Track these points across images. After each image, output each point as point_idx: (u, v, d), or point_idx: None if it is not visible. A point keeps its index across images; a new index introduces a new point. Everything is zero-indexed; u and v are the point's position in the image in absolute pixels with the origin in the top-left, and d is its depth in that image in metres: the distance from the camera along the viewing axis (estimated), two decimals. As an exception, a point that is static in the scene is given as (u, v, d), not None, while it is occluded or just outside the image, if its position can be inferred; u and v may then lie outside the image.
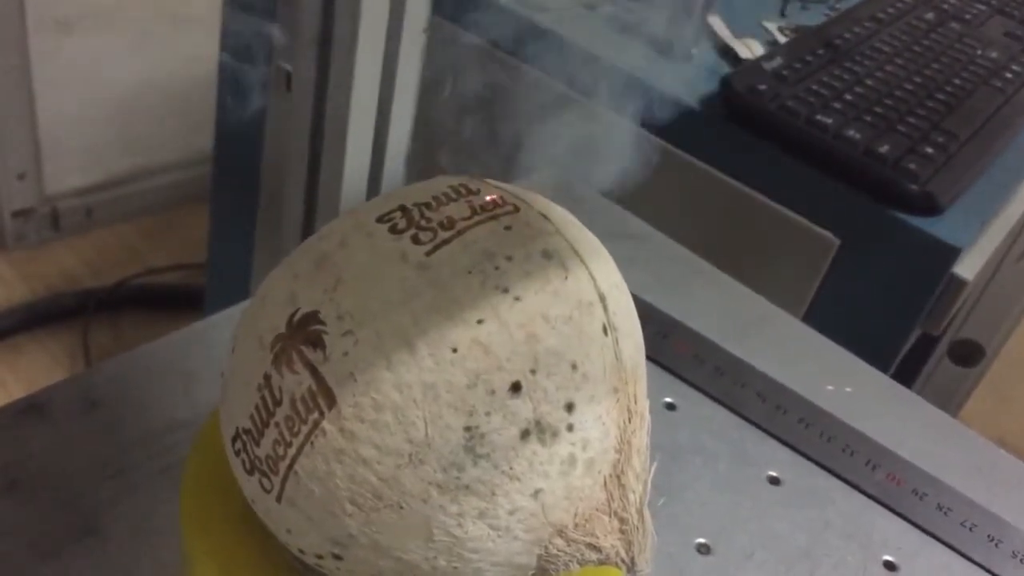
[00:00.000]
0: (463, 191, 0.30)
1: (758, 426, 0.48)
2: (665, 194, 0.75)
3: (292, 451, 0.27)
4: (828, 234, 0.70)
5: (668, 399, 0.49)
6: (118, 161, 1.65)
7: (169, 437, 0.41)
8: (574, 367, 0.28)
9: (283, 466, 0.28)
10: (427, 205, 0.29)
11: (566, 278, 0.29)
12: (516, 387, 0.27)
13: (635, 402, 0.30)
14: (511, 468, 0.27)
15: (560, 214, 0.31)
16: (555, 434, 0.28)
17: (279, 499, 0.28)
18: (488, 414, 0.27)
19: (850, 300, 0.71)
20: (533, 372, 0.27)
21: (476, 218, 0.29)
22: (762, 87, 0.71)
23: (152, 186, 1.70)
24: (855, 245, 0.69)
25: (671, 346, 0.51)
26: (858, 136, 0.69)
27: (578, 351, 0.28)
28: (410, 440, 0.27)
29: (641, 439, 0.30)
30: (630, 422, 0.30)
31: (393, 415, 0.26)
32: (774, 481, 0.46)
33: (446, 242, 0.28)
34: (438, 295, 0.27)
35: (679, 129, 0.72)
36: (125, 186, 1.68)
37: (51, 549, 0.37)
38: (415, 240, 0.28)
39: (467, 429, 0.27)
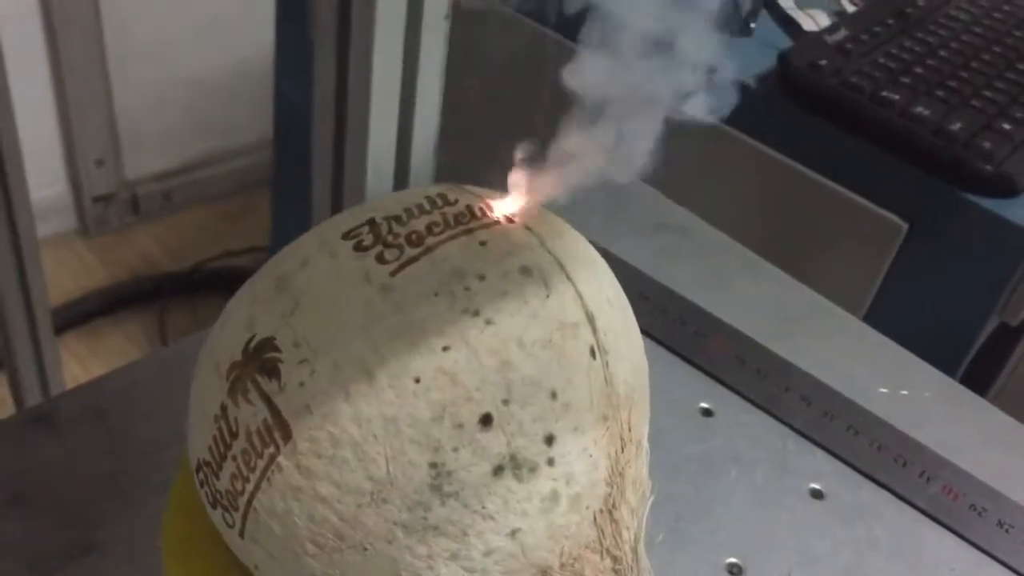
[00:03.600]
0: (439, 202, 0.28)
1: (802, 434, 0.45)
2: (718, 178, 0.72)
3: (250, 487, 0.26)
4: (895, 218, 0.65)
5: (704, 404, 0.46)
6: (194, 145, 1.67)
7: (175, 449, 0.40)
8: (554, 395, 0.26)
9: (242, 502, 0.26)
10: (397, 219, 0.27)
11: (547, 297, 0.26)
12: (487, 420, 0.25)
13: (629, 430, 0.28)
14: (483, 507, 0.25)
15: (549, 225, 0.29)
16: (533, 469, 0.26)
17: (241, 535, 0.27)
18: (456, 450, 0.25)
19: (920, 289, 0.66)
20: (506, 403, 0.25)
21: (448, 232, 0.27)
22: (822, 62, 0.67)
23: (228, 169, 1.72)
24: (925, 230, 0.65)
25: (710, 347, 0.48)
26: (927, 113, 0.64)
27: (558, 378, 0.26)
28: (371, 478, 0.25)
29: (637, 470, 0.28)
30: (623, 452, 0.27)
31: (352, 451, 0.24)
32: (816, 495, 0.43)
33: (413, 260, 0.26)
34: (401, 320, 0.25)
35: (734, 108, 0.68)
36: (202, 170, 1.70)
37: (50, 567, 0.36)
38: (380, 259, 0.26)
39: (433, 466, 0.25)
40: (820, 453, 0.45)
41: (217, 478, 0.26)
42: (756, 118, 0.69)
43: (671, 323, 0.49)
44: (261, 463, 0.25)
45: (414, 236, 0.26)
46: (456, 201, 0.28)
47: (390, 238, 0.26)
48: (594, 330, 0.27)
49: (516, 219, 0.28)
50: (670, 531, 0.40)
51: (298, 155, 0.72)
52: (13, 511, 0.38)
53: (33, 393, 0.90)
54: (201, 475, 0.27)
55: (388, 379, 0.24)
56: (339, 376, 0.25)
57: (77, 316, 1.45)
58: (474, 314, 0.25)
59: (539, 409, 0.25)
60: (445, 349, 0.25)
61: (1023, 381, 0.80)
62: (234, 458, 0.26)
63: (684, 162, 0.68)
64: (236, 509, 0.26)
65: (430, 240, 0.26)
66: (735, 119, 0.71)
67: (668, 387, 0.46)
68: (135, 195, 1.64)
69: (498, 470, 0.25)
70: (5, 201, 0.97)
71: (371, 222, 0.27)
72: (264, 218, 1.64)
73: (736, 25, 0.74)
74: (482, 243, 0.27)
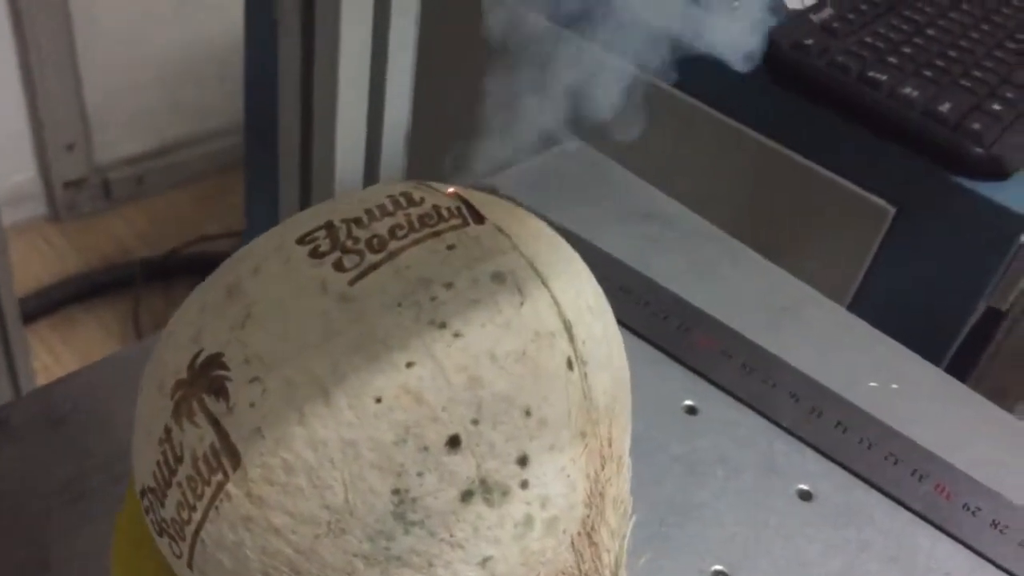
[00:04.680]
0: (403, 202, 0.26)
1: (790, 432, 0.43)
2: (702, 162, 0.70)
3: (197, 516, 0.23)
4: (883, 202, 0.63)
5: (689, 402, 0.44)
6: (167, 128, 1.63)
7: (131, 458, 0.38)
8: (527, 413, 0.24)
9: (189, 532, 0.24)
10: (357, 221, 0.25)
11: (521, 305, 0.24)
12: (454, 441, 0.23)
13: (609, 445, 0.26)
14: (451, 535, 0.23)
15: (522, 224, 0.27)
16: (505, 493, 0.24)
17: (190, 566, 0.25)
18: (420, 474, 0.23)
19: (907, 274, 0.65)
20: (475, 423, 0.23)
21: (413, 236, 0.24)
22: (808, 42, 0.64)
23: (203, 152, 1.68)
24: (913, 214, 0.63)
25: (695, 341, 0.47)
26: (916, 94, 0.62)
27: (533, 393, 0.24)
28: (327, 506, 0.23)
29: (618, 488, 0.26)
30: (603, 469, 0.26)
31: (307, 478, 0.22)
32: (805, 496, 0.41)
33: (374, 267, 0.24)
34: (361, 334, 0.23)
35: (717, 90, 0.66)
36: (176, 153, 1.67)
37: (-2, 588, 0.34)
38: (338, 266, 0.24)
39: (395, 492, 0.23)
40: (809, 452, 0.43)
41: (162, 506, 0.24)
42: (739, 99, 0.67)
43: (654, 317, 0.47)
44: (208, 491, 0.23)
45: (375, 241, 0.24)
46: (422, 200, 0.26)
47: (349, 243, 0.24)
48: (571, 339, 0.25)
49: (487, 220, 0.26)
50: (653, 536, 0.39)
51: (269, 139, 0.69)
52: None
53: (2, 384, 0.88)
54: (146, 501, 0.25)
55: (347, 399, 0.22)
56: (293, 396, 0.22)
57: (48, 304, 1.42)
58: (440, 326, 0.23)
59: (512, 428, 0.23)
60: (409, 365, 0.23)
61: (1006, 366, 0.78)
62: (179, 485, 0.24)
63: (667, 146, 0.66)
64: (183, 539, 0.24)
65: (393, 245, 0.24)
66: (718, 100, 0.69)
67: (651, 384, 0.45)
68: (106, 180, 1.61)
69: (467, 495, 0.23)
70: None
71: (328, 225, 0.25)
72: (241, 201, 1.61)
73: (720, 1, 0.72)
74: (450, 247, 0.24)
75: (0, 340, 0.91)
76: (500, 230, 0.26)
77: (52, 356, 1.36)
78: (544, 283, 0.25)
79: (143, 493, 0.25)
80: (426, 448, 0.23)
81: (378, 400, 0.22)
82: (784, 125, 0.66)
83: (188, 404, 0.23)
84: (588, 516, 0.25)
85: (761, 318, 0.49)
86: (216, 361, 0.23)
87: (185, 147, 1.66)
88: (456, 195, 0.26)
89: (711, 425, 0.44)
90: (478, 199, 0.27)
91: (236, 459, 0.23)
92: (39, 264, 1.51)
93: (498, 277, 0.24)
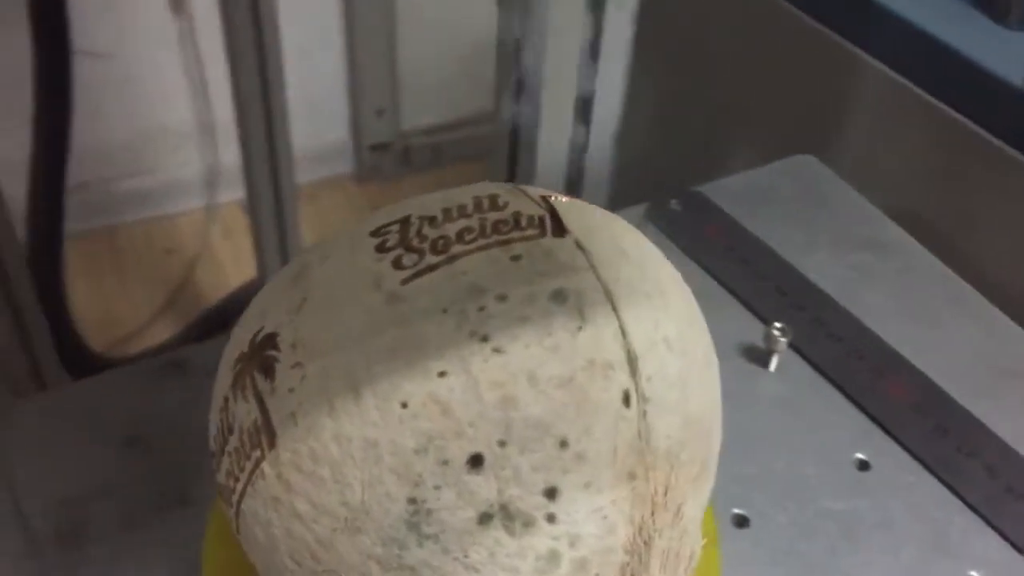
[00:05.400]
0: (485, 204, 0.25)
1: (974, 509, 0.38)
2: (983, 198, 0.63)
3: (240, 486, 0.24)
4: None
5: (862, 455, 0.40)
6: (465, 102, 1.70)
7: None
8: (563, 444, 0.22)
9: (234, 500, 0.25)
10: (432, 220, 0.24)
11: (579, 329, 0.23)
12: (476, 460, 0.22)
13: (665, 493, 0.24)
14: (466, 555, 0.22)
15: (612, 243, 0.25)
16: (528, 524, 0.22)
17: (238, 531, 0.25)
18: (438, 488, 0.22)
19: None
20: (502, 444, 0.22)
21: (480, 241, 0.24)
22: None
23: (496, 129, 1.74)
24: None
25: (886, 389, 0.42)
26: None
27: (574, 424, 0.22)
28: (345, 503, 0.22)
29: (671, 541, 0.24)
30: (653, 517, 0.24)
31: (330, 470, 0.22)
32: (977, 585, 0.36)
33: (431, 269, 0.23)
34: (401, 335, 0.22)
35: (1004, 115, 0.59)
36: (472, 127, 1.74)
37: (142, 515, 0.37)
38: (397, 263, 0.23)
39: (411, 501, 0.22)
40: (992, 536, 0.37)
41: (218, 470, 0.25)
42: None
43: (846, 356, 0.43)
44: (249, 465, 0.24)
45: (441, 242, 0.24)
46: (505, 205, 0.25)
47: (415, 241, 0.24)
48: (634, 373, 0.23)
49: (569, 233, 0.24)
50: (783, 596, 0.35)
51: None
52: (128, 451, 0.39)
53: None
54: (213, 464, 0.26)
55: (375, 399, 0.22)
56: (327, 387, 0.23)
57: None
58: (482, 339, 0.22)
59: (543, 457, 0.22)
60: (441, 375, 0.22)
61: None
62: (229, 454, 0.24)
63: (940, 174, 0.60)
64: (231, 506, 0.25)
65: (456, 248, 0.23)
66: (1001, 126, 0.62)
67: (823, 428, 0.41)
68: (408, 146, 1.71)
69: (485, 518, 0.22)
70: (270, 150, 1.03)
71: (404, 220, 0.25)
72: (524, 180, 1.66)
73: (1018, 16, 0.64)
74: (515, 258, 0.23)
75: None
76: (580, 246, 0.24)
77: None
78: (614, 308, 0.23)
79: (211, 455, 0.26)
80: (446, 462, 0.22)
81: (404, 405, 0.22)
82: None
83: (243, 379, 0.24)
84: (628, 564, 0.23)
85: (976, 377, 0.43)
86: (271, 341, 0.24)
87: (480, 123, 1.72)
88: (545, 201, 0.25)
89: (882, 485, 0.39)
90: (574, 210, 0.25)
91: (272, 439, 0.23)
92: (338, 219, 1.63)
93: (559, 296, 0.23)
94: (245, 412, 0.24)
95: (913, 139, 0.61)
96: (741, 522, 0.38)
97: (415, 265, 0.23)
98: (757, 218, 0.49)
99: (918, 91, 0.61)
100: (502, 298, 0.23)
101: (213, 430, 0.26)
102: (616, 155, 0.50)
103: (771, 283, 0.46)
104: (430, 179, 1.73)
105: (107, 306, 1.35)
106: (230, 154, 1.28)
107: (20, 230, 0.81)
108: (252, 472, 0.24)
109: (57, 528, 0.36)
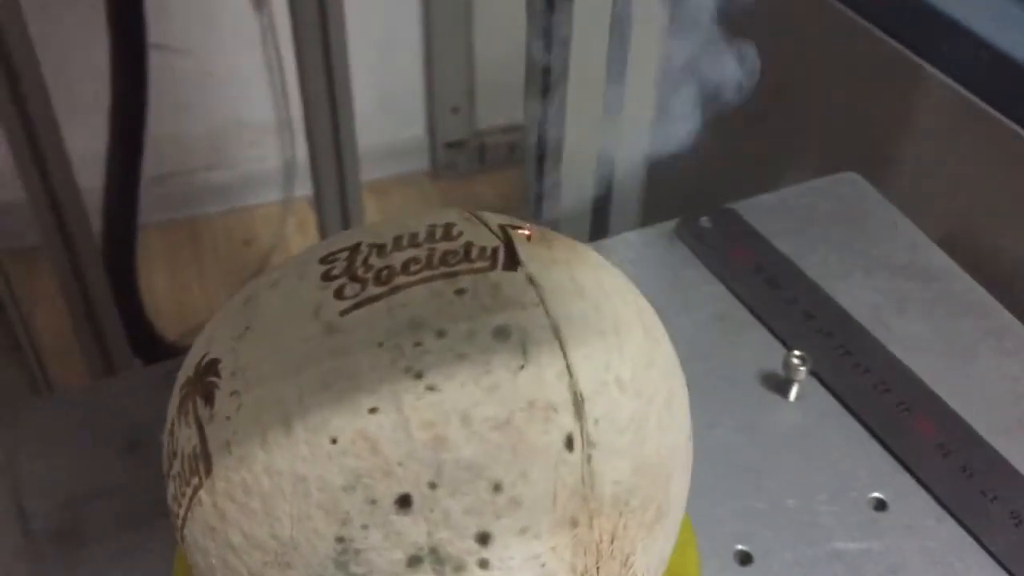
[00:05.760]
0: (438, 233, 0.24)
1: (996, 559, 0.36)
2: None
3: (182, 512, 0.24)
4: None
5: (879, 494, 0.38)
6: (539, 103, 1.69)
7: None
8: (497, 488, 0.21)
9: (178, 524, 0.24)
10: (381, 248, 0.24)
11: (520, 368, 0.22)
12: (405, 501, 0.21)
13: (611, 541, 0.23)
14: (394, 598, 0.22)
15: (567, 279, 0.24)
16: (460, 568, 0.22)
17: (184, 554, 0.25)
18: (365, 527, 0.21)
19: None
20: (432, 486, 0.21)
21: (425, 273, 0.23)
22: None
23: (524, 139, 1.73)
24: None
25: (911, 425, 0.40)
26: None
27: (509, 468, 0.21)
28: (276, 536, 0.22)
29: (617, 591, 0.23)
30: (599, 568, 0.23)
31: (261, 503, 0.22)
32: (990, 641, 0.34)
33: (371, 300, 0.23)
34: (335, 367, 0.22)
35: None
36: (546, 129, 1.73)
37: (142, 518, 0.37)
38: (338, 293, 0.23)
39: (339, 540, 0.22)
40: (1013, 590, 0.35)
41: (167, 493, 0.25)
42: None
43: (871, 388, 0.41)
44: (188, 491, 0.23)
45: (385, 272, 0.23)
46: (459, 235, 0.24)
47: (360, 271, 0.23)
48: (579, 416, 0.22)
49: (521, 266, 0.23)
50: (780, 640, 0.34)
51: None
52: (129, 455, 0.39)
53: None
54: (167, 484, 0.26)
55: (305, 432, 0.22)
56: (260, 418, 0.22)
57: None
58: (416, 376, 0.21)
59: (474, 500, 0.21)
60: (372, 411, 0.21)
61: None
62: (173, 479, 0.24)
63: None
64: (176, 530, 0.25)
65: (400, 279, 0.23)
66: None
67: (839, 463, 0.39)
68: (483, 144, 1.71)
69: (414, 561, 0.21)
70: (335, 145, 1.04)
71: (354, 248, 0.24)
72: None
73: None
74: (459, 291, 0.23)
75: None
76: (532, 280, 0.23)
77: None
78: (562, 347, 0.22)
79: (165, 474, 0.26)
80: (374, 501, 0.21)
81: (333, 441, 0.21)
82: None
83: (187, 403, 0.24)
84: (567, 614, 0.22)
85: (1009, 417, 0.41)
86: (213, 367, 0.23)
87: (555, 123, 1.72)
88: (503, 232, 0.24)
89: (898, 527, 0.37)
90: (536, 242, 0.24)
91: (209, 467, 0.23)
92: (412, 214, 1.64)
93: (502, 333, 0.22)
94: (187, 438, 0.23)
95: (976, 159, 0.58)
96: (744, 559, 0.36)
97: (356, 296, 0.23)
98: (790, 238, 0.47)
99: (984, 106, 0.58)
100: (441, 334, 0.22)
101: (164, 452, 0.25)
102: (649, 170, 0.49)
103: (798, 307, 0.44)
104: (504, 177, 1.73)
105: (184, 295, 1.38)
106: (306, 150, 1.31)
107: (96, 222, 0.83)
108: (191, 498, 0.23)
109: (57, 528, 0.37)
